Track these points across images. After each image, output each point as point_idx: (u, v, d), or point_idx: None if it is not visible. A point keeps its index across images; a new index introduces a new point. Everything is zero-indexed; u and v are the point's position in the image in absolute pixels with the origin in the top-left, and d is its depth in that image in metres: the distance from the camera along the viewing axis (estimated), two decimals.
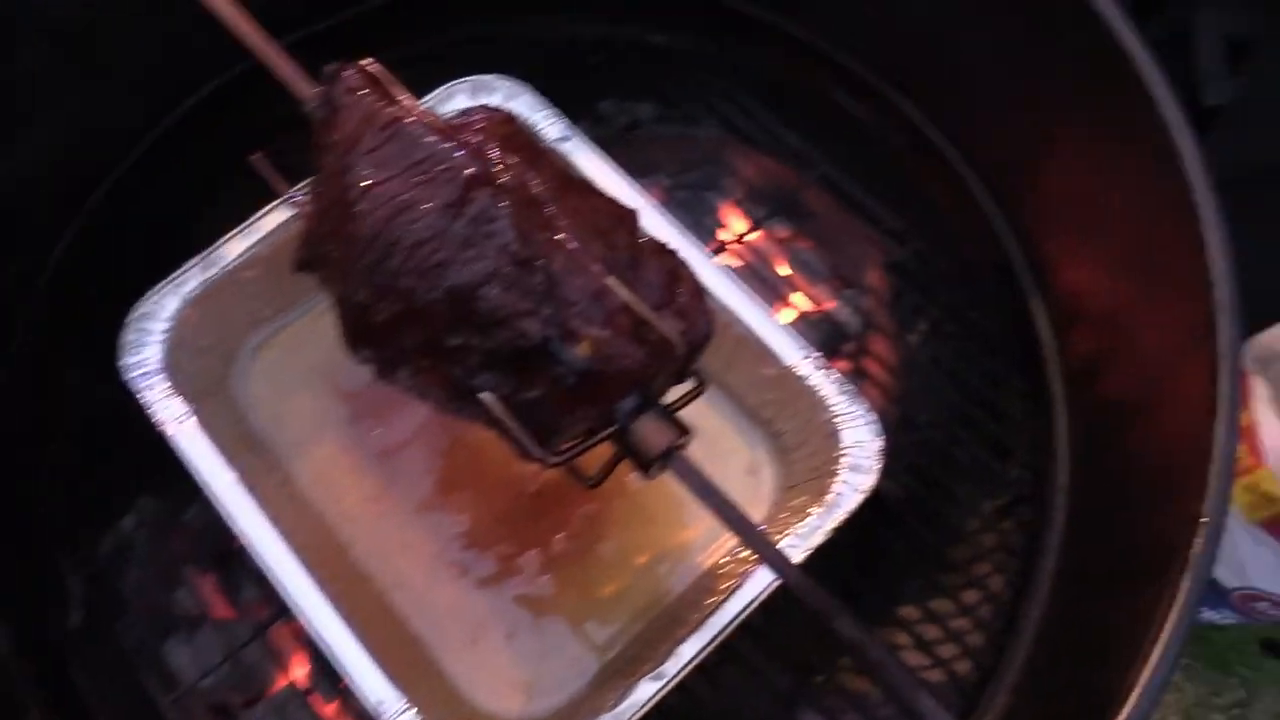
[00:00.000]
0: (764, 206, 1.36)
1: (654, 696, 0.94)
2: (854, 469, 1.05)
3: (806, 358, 1.09)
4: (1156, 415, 0.98)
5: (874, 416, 1.06)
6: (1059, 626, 1.03)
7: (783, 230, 1.35)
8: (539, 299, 0.71)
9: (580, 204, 0.81)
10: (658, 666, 0.96)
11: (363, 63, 0.83)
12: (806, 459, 1.12)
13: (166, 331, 1.12)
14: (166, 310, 1.13)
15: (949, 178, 1.28)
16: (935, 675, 1.07)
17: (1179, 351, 0.95)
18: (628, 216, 0.84)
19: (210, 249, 1.15)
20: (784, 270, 1.33)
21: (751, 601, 0.98)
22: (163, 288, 1.13)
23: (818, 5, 1.35)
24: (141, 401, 1.06)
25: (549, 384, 0.73)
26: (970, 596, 1.13)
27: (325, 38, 1.37)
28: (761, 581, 0.99)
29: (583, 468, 0.84)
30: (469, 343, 0.73)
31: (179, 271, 1.14)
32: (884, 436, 1.05)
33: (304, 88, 0.92)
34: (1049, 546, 1.08)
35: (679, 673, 0.95)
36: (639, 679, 0.95)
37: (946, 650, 1.08)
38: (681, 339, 0.78)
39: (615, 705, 0.94)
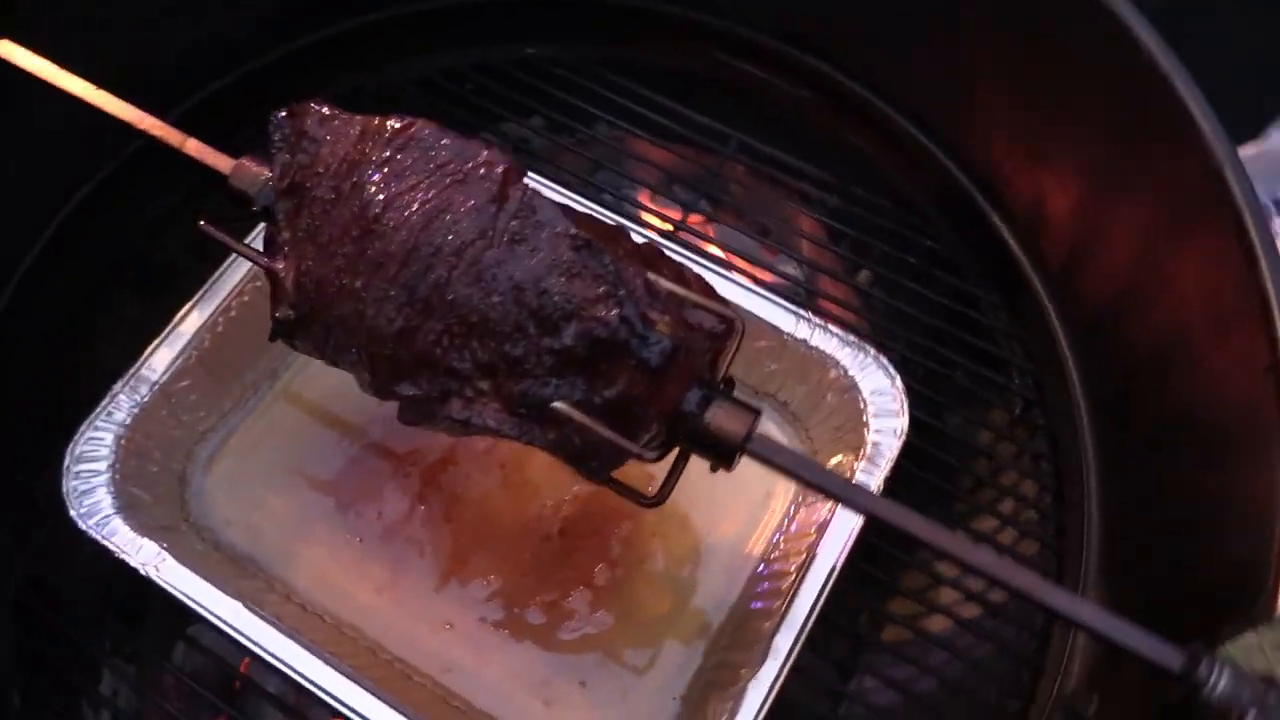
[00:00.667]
0: (688, 190, 1.33)
1: (767, 699, 0.88)
2: (882, 414, 1.02)
3: (799, 321, 1.06)
4: (1152, 298, 0.99)
5: (884, 359, 1.04)
6: (1121, 514, 1.02)
7: (710, 207, 1.32)
8: (612, 282, 0.64)
9: (580, 217, 0.76)
10: (756, 669, 0.90)
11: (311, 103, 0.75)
12: (824, 420, 1.08)
13: (110, 468, 1.00)
14: (103, 446, 1.00)
15: (872, 122, 1.28)
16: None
17: (1160, 233, 0.96)
18: (619, 229, 0.79)
19: (133, 369, 1.03)
20: (716, 250, 1.30)
21: (828, 578, 0.94)
22: (93, 422, 1.00)
23: None
24: (110, 549, 0.93)
25: (627, 377, 0.67)
26: (1007, 506, 1.12)
27: (200, 109, 1.26)
28: (829, 557, 0.95)
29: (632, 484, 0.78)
30: (537, 347, 0.66)
31: (105, 401, 1.02)
32: (900, 375, 1.03)
33: (221, 159, 0.84)
34: (1080, 437, 1.07)
35: (782, 668, 0.90)
36: (743, 685, 0.89)
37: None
38: (739, 320, 0.74)
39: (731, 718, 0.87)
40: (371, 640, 1.01)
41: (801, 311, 1.07)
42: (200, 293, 1.07)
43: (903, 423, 1.01)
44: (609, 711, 0.98)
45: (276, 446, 1.11)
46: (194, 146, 0.84)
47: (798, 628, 0.91)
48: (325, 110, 0.71)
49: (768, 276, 1.27)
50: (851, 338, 1.05)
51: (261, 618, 0.91)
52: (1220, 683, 0.59)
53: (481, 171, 0.66)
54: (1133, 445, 1.03)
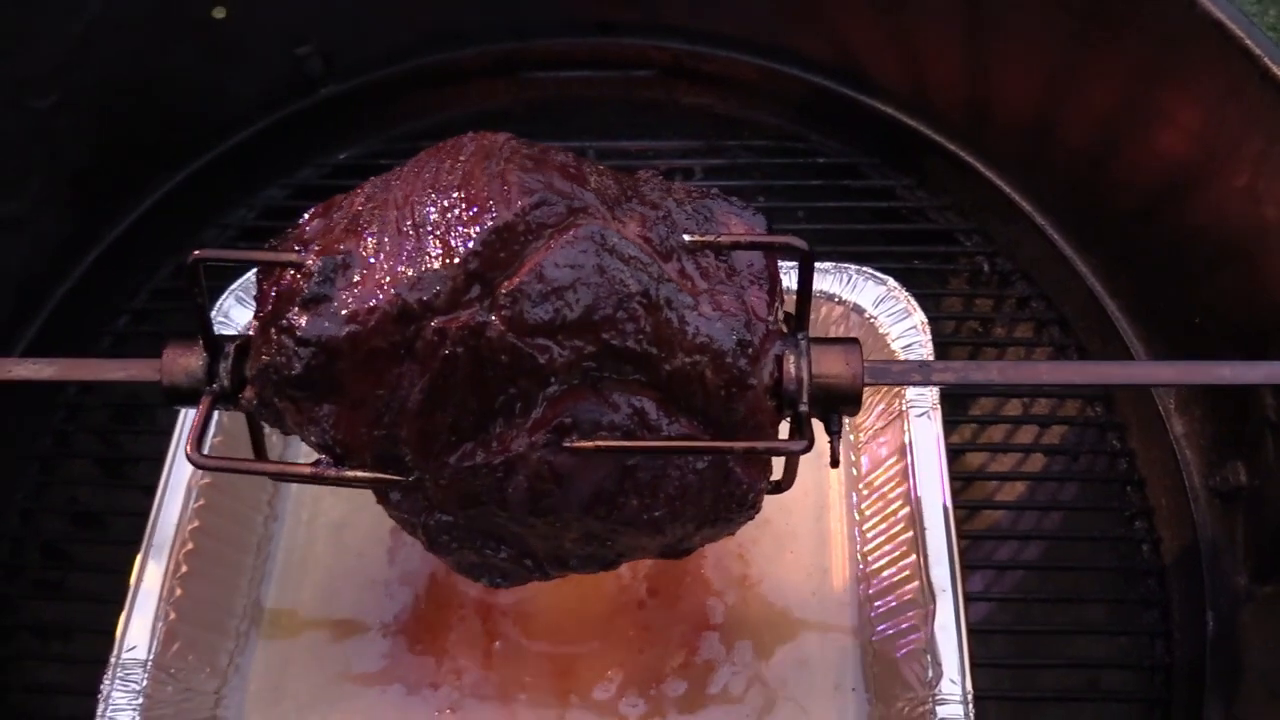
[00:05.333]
0: None
1: (961, 634, 0.82)
2: (896, 317, 0.99)
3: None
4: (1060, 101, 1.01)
5: (865, 269, 1.01)
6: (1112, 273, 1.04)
7: None
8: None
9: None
10: (931, 616, 0.84)
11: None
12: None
13: None
14: None
15: (709, 76, 1.25)
16: None
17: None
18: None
19: (113, 655, 0.86)
20: None
21: (945, 510, 0.89)
22: None
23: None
24: None
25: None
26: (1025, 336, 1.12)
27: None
28: (934, 490, 0.90)
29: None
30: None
31: (101, 708, 0.84)
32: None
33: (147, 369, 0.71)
34: (1052, 248, 1.09)
35: (957, 601, 0.84)
36: (928, 634, 0.83)
37: None
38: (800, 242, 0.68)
39: None
40: None
41: None
42: (144, 539, 0.91)
43: (920, 317, 0.98)
44: None
45: (307, 664, 0.95)
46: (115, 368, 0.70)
47: (946, 561, 0.86)
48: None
49: None
50: (825, 265, 1.01)
51: None
52: None
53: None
54: (1099, 219, 1.05)
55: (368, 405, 0.62)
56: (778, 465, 0.72)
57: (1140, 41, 0.91)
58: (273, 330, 0.62)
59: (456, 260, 0.60)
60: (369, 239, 0.63)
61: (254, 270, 1.06)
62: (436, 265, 0.60)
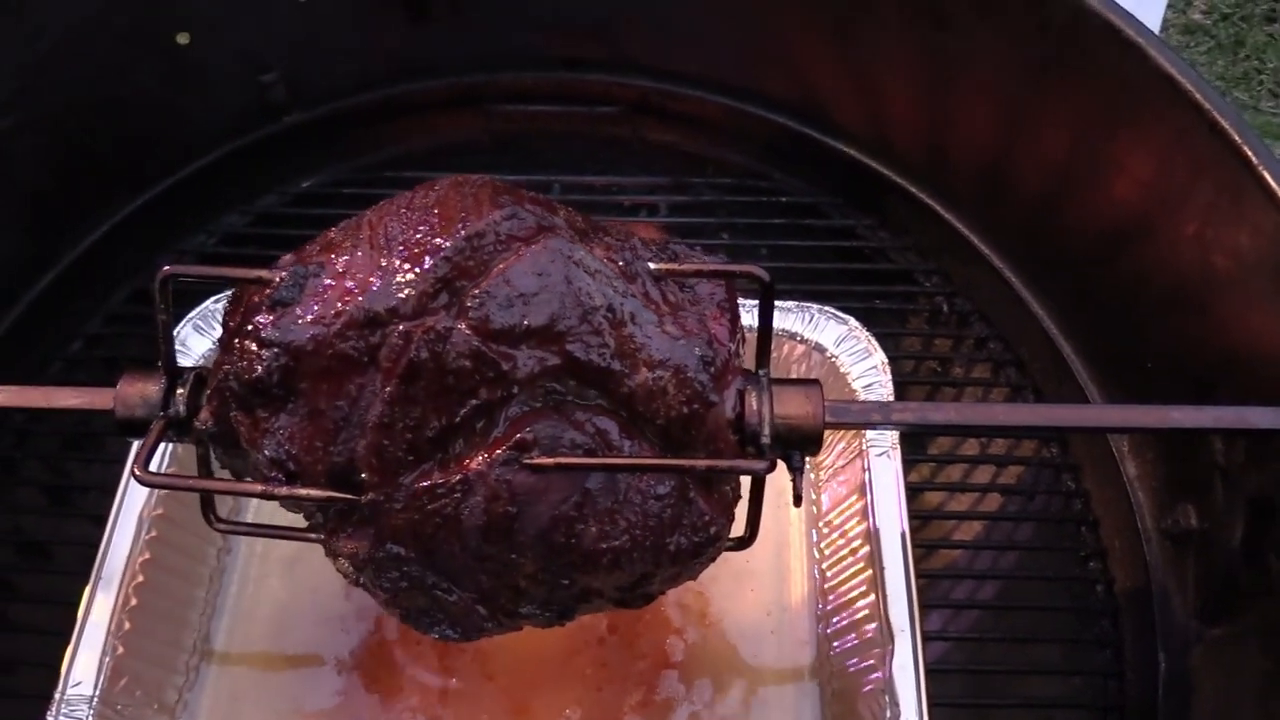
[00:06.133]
0: None
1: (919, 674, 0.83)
2: (857, 356, 1.00)
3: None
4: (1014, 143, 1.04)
5: (828, 308, 1.02)
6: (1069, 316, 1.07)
7: None
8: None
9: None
10: (889, 656, 0.84)
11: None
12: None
13: None
14: None
15: (674, 114, 1.27)
16: None
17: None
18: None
19: (57, 692, 0.84)
20: None
21: (904, 543, 0.90)
22: None
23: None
24: None
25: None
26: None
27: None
28: (892, 524, 0.91)
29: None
30: None
31: None
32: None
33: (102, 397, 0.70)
34: (1008, 288, 1.11)
35: (915, 639, 0.85)
36: (886, 675, 0.83)
37: None
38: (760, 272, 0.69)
39: None
40: None
41: None
42: (94, 571, 0.89)
43: (880, 357, 0.99)
44: None
45: (258, 701, 0.93)
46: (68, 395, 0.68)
47: (905, 600, 0.87)
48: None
49: None
50: (788, 304, 1.02)
51: None
52: None
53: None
54: (1054, 262, 1.08)
55: (326, 416, 0.62)
56: (739, 523, 0.72)
57: (1093, 91, 0.93)
58: (236, 340, 0.62)
59: (426, 266, 0.61)
60: (341, 255, 0.64)
61: (212, 299, 1.05)
62: (406, 273, 0.61)
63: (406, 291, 0.60)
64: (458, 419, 0.61)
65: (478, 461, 0.61)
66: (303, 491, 0.63)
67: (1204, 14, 3.00)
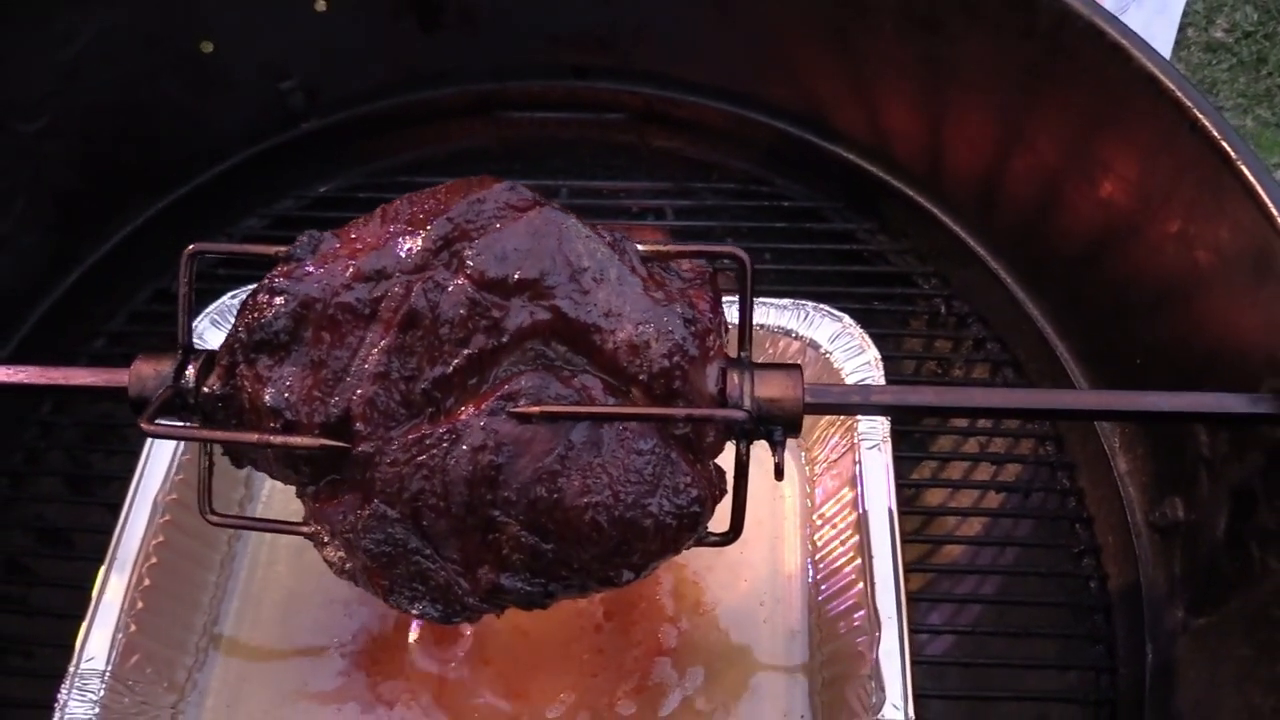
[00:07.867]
0: None
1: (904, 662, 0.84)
2: (850, 353, 1.02)
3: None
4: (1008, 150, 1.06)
5: (822, 306, 1.04)
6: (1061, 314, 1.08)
7: None
8: None
9: None
10: (876, 643, 0.86)
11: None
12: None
13: None
14: None
15: (679, 121, 1.30)
16: None
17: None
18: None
19: (72, 665, 0.87)
20: None
21: (892, 529, 0.92)
22: None
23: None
24: None
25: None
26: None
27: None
28: (880, 509, 0.93)
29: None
30: None
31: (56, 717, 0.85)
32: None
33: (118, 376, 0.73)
34: (1006, 293, 1.13)
35: (902, 628, 0.86)
36: (873, 661, 0.85)
37: None
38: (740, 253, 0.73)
39: None
40: None
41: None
42: (109, 552, 0.92)
43: (874, 353, 1.01)
44: None
45: (264, 681, 0.96)
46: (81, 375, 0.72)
47: (892, 588, 0.88)
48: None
49: None
50: (784, 301, 1.05)
51: None
52: None
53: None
54: (1047, 264, 1.09)
55: (326, 367, 0.66)
56: (723, 520, 0.74)
57: (1080, 94, 0.95)
58: (249, 299, 0.68)
59: (430, 228, 0.67)
60: (354, 229, 0.70)
61: (229, 294, 1.09)
62: (412, 235, 0.67)
63: (409, 246, 0.66)
64: (450, 369, 0.65)
65: (467, 412, 0.64)
66: (297, 439, 0.66)
67: (1226, 31, 3.00)
